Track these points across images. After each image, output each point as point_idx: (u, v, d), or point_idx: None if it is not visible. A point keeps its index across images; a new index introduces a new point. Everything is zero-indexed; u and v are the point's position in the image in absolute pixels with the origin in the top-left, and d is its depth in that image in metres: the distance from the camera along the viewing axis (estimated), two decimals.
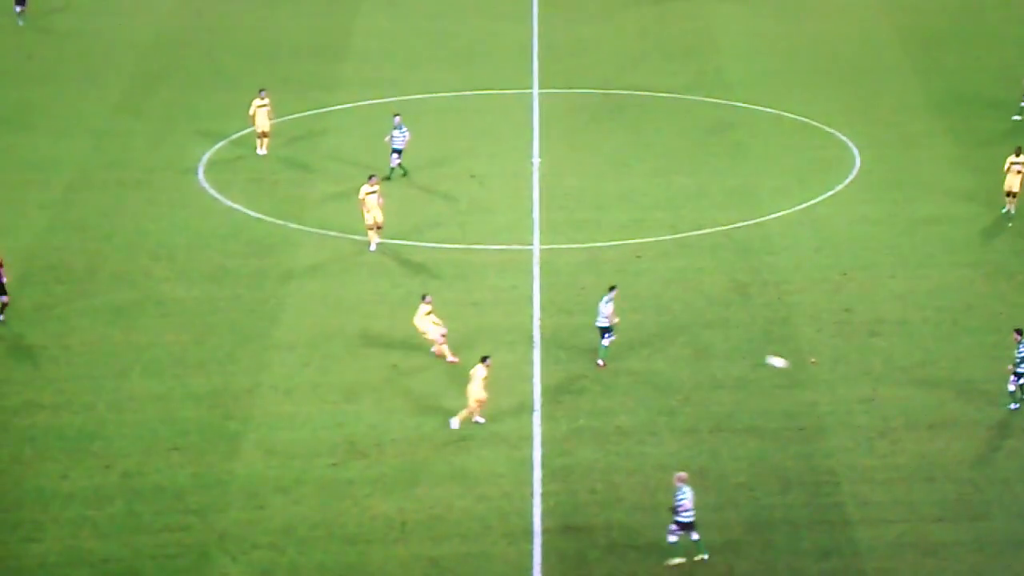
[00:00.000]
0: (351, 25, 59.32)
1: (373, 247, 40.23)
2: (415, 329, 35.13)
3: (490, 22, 60.32)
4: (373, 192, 40.17)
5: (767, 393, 33.63)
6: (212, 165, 46.09)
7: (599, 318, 35.09)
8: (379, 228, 40.41)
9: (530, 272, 39.51)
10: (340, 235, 41.44)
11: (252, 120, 46.44)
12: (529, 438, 32.03)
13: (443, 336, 34.56)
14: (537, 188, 44.83)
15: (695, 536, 28.22)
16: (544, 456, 31.37)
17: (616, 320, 35.22)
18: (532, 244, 41.16)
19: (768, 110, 50.88)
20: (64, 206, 42.56)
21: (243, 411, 32.85)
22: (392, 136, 44.75)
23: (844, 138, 48.28)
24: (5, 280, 36.17)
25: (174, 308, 37.25)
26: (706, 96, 52.16)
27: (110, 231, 41.31)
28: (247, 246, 40.53)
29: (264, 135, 46.48)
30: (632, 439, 32.03)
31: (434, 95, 52.41)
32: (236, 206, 43.21)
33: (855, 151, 47.26)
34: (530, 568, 28.08)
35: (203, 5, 61.10)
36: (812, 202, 43.65)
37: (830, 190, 44.47)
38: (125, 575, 27.80)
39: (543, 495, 29.75)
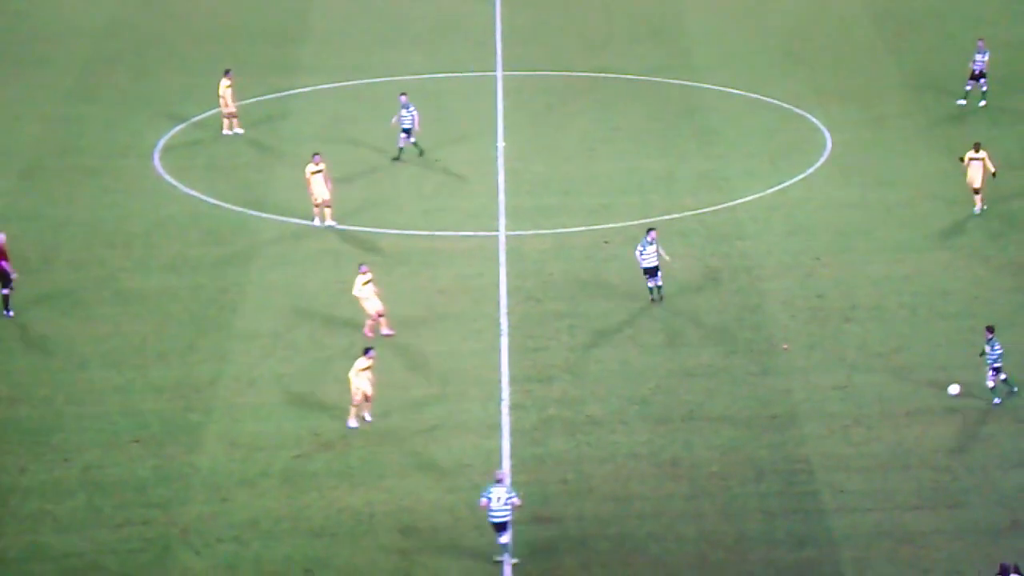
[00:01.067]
0: (309, 8, 59.24)
1: (318, 223, 40.62)
2: (356, 300, 35.20)
3: (452, 4, 60.36)
4: (319, 171, 40.47)
5: (740, 381, 33.97)
6: (168, 150, 46.07)
7: (646, 259, 36.78)
8: (328, 206, 40.69)
9: (496, 259, 39.70)
10: (301, 222, 41.49)
11: (223, 102, 46.54)
12: (497, 427, 32.28)
13: (378, 314, 34.18)
14: (502, 173, 45.01)
15: (503, 539, 27.81)
16: (513, 446, 31.62)
17: (668, 258, 37.27)
18: (498, 231, 41.36)
19: (738, 92, 51.22)
20: (16, 194, 42.48)
21: (205, 403, 32.97)
22: (400, 116, 45.01)
23: (815, 120, 48.68)
24: (7, 267, 35.89)
25: (133, 298, 37.30)
26: (674, 78, 52.46)
27: (65, 219, 41.28)
28: (206, 233, 40.56)
29: (233, 115, 46.74)
30: (603, 428, 32.32)
31: (396, 78, 52.40)
32: (194, 192, 43.25)
33: (827, 133, 47.66)
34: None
35: None
36: (784, 185, 44.03)
37: (802, 173, 44.86)
38: (87, 570, 27.92)
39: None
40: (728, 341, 35.50)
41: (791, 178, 44.52)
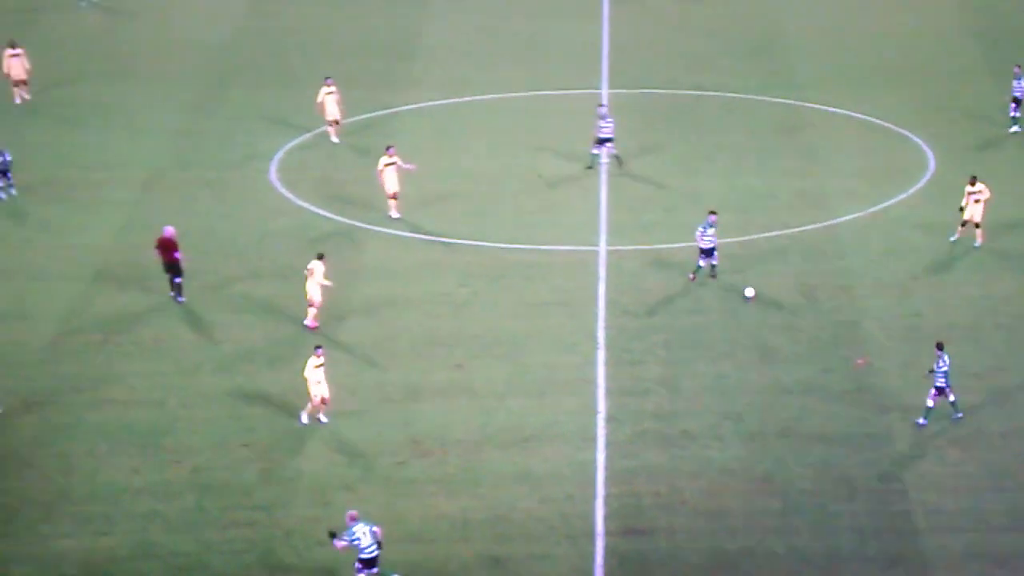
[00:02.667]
0: (421, 24, 59.74)
1: (394, 214, 42.03)
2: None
3: (561, 21, 60.49)
4: (391, 164, 41.58)
5: (835, 398, 33.59)
6: (282, 164, 46.67)
7: (704, 241, 38.43)
8: (395, 198, 41.96)
9: (595, 273, 39.71)
10: (406, 234, 41.88)
11: (321, 109, 47.24)
12: (593, 440, 32.25)
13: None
14: (604, 189, 45.03)
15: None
16: (608, 458, 31.57)
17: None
18: (598, 246, 41.36)
19: (840, 111, 50.69)
20: (138, 205, 43.29)
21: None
22: (598, 126, 45.76)
23: (918, 140, 48.01)
24: (180, 257, 37.55)
25: (244, 306, 37.84)
26: (776, 96, 52.06)
27: (182, 230, 41.63)
28: (315, 244, 40.90)
29: (335, 123, 47.36)
30: (697, 443, 32.14)
31: (504, 95, 52.69)
32: (305, 204, 43.77)
33: (929, 154, 46.97)
34: (591, 570, 28.29)
35: (274, 6, 61.75)
36: (883, 205, 43.48)
37: (902, 193, 44.27)
38: (193, 569, 28.36)
39: (606, 497, 29.97)
40: (824, 358, 35.13)
41: (891, 198, 43.95)
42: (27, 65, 50.67)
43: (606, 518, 29.65)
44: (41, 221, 42.33)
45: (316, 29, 59.02)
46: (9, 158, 43.61)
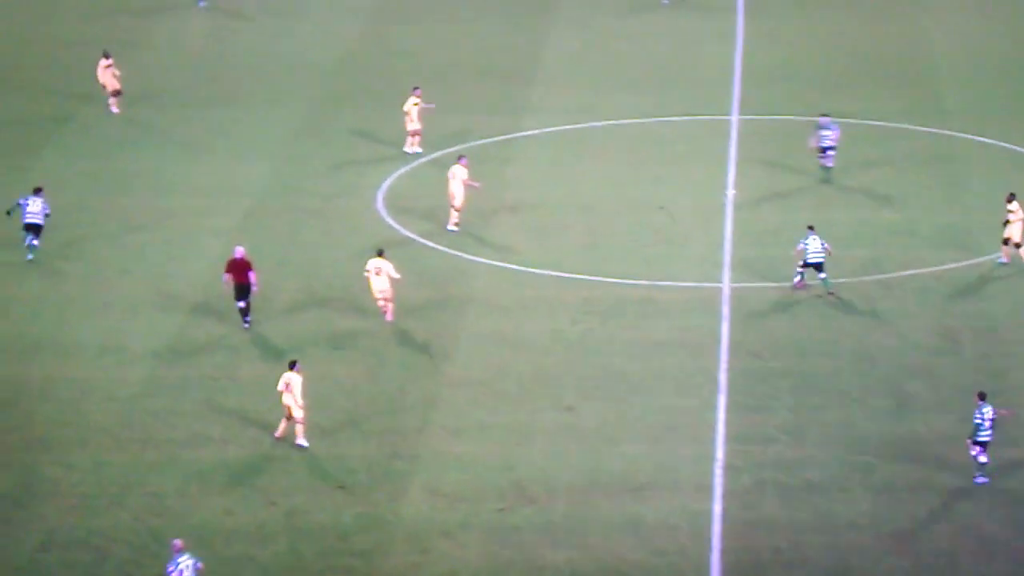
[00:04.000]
0: (541, 48, 60.33)
1: (452, 228, 43.94)
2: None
3: (691, 44, 60.74)
4: (462, 174, 43.58)
5: None
6: (391, 192, 47.44)
7: (812, 255, 40.07)
8: (457, 210, 43.76)
9: (718, 312, 39.73)
10: (519, 268, 42.29)
11: (408, 117, 48.75)
12: (709, 489, 32.24)
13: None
14: (730, 222, 45.03)
15: None
16: (725, 510, 31.54)
17: (830, 250, 40.21)
18: (722, 282, 41.39)
19: (990, 141, 50.13)
20: (239, 233, 44.25)
21: (411, 450, 33.82)
22: (820, 136, 46.64)
23: None
24: (254, 282, 38.77)
25: (346, 341, 38.50)
26: (922, 124, 51.67)
27: (284, 260, 42.89)
28: (421, 278, 41.58)
29: (415, 133, 48.85)
30: (822, 495, 31.97)
31: (625, 121, 53.04)
32: (413, 235, 44.45)
33: None
34: None
35: (389, 28, 62.89)
36: None
37: None
38: None
39: (722, 552, 29.93)
40: (965, 408, 34.64)
41: None
42: (117, 72, 52.61)
43: (722, 574, 29.59)
44: (138, 250, 43.51)
45: (431, 52, 59.90)
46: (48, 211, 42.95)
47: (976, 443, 32.27)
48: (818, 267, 40.15)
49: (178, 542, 28.53)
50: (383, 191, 47.54)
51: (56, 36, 61.10)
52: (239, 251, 39.24)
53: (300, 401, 33.84)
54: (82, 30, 61.16)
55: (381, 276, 38.96)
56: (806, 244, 40.26)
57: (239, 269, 39.07)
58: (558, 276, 41.81)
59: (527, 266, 42.39)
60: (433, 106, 45.57)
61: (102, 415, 35.18)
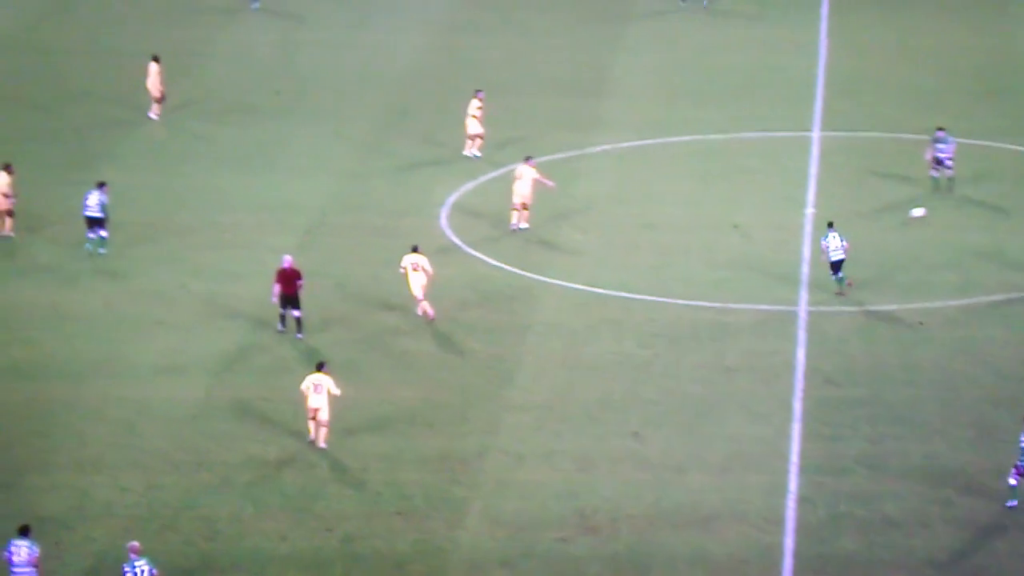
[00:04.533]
0: (613, 60, 60.51)
1: (515, 226, 45.41)
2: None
3: (770, 55, 60.68)
4: (530, 173, 45.05)
5: None
6: (456, 209, 47.74)
7: (832, 253, 40.96)
8: (525, 208, 45.28)
9: (793, 336, 39.62)
10: (585, 288, 42.42)
11: (475, 120, 50.36)
12: (781, 522, 32.12)
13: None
14: (808, 242, 44.88)
15: None
16: (797, 544, 31.40)
17: (847, 247, 41.20)
18: (798, 305, 41.27)
19: None
20: (300, 251, 44.56)
21: (471, 476, 33.99)
22: (936, 148, 47.07)
23: None
24: (300, 284, 39.78)
25: (405, 362, 38.79)
26: (1014, 143, 51.28)
27: (344, 278, 43.25)
28: (485, 298, 41.86)
29: (475, 138, 50.42)
30: (900, 530, 31.78)
31: (699, 137, 53.06)
32: (477, 254, 44.69)
33: None
34: None
35: (456, 39, 63.33)
36: None
37: None
38: None
39: None
40: None
41: None
42: (161, 82, 54.15)
43: None
44: (197, 267, 44.03)
45: (500, 64, 60.22)
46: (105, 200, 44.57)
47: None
48: (836, 266, 40.96)
49: (135, 544, 29.30)
50: (448, 208, 47.84)
51: (116, 47, 62.01)
52: (287, 260, 40.13)
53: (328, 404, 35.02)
54: (143, 40, 61.97)
55: (418, 272, 40.43)
56: (827, 242, 41.14)
57: (288, 279, 40.03)
58: (626, 297, 41.90)
59: (594, 286, 42.50)
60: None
61: (157, 436, 35.62)
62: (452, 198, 48.50)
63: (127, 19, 65.22)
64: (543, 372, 38.22)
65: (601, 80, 58.44)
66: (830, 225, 41.66)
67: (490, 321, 40.71)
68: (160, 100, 54.30)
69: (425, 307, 40.27)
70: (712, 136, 53.12)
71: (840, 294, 41.05)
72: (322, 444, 35.11)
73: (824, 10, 65.60)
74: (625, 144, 52.55)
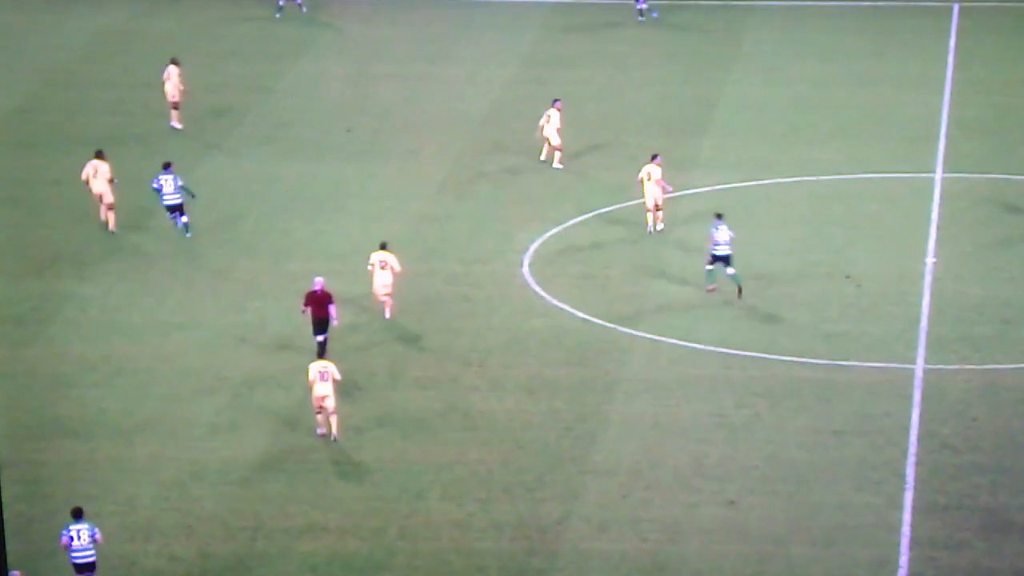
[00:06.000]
0: (717, 95, 60.77)
1: (651, 228, 48.64)
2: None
3: (891, 91, 60.67)
4: (655, 175, 48.21)
5: None
6: (539, 256, 48.14)
7: (719, 247, 43.58)
8: (658, 209, 48.59)
9: (909, 397, 39.57)
10: (679, 343, 42.61)
11: (544, 133, 53.84)
12: None
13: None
14: (928, 294, 44.81)
15: None
16: None
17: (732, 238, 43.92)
18: (915, 363, 41.19)
19: None
20: (368, 302, 45.24)
21: (549, 546, 34.14)
22: None
23: None
24: (334, 316, 41.67)
25: (482, 422, 39.15)
26: None
27: (420, 329, 43.72)
28: (570, 352, 42.15)
29: (554, 148, 53.84)
30: None
31: (810, 178, 53.12)
32: (561, 305, 45.02)
33: None
34: None
35: (545, 72, 63.89)
36: None
37: None
38: None
39: None
40: None
41: None
42: (182, 86, 57.31)
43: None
44: (259, 320, 44.65)
45: (591, 99, 60.61)
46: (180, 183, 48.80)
47: None
48: (726, 260, 43.56)
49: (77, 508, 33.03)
50: (530, 255, 48.23)
51: (188, 78, 63.15)
52: (319, 283, 41.77)
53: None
54: (214, 74, 63.30)
55: (385, 270, 43.49)
56: (716, 234, 43.82)
57: (319, 302, 41.48)
58: (723, 352, 42.01)
59: (689, 340, 42.66)
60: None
61: (211, 500, 36.16)
62: (535, 244, 48.88)
63: (197, 52, 66.27)
64: (631, 433, 38.37)
65: (702, 117, 58.70)
66: (719, 216, 44.28)
67: (574, 377, 40.97)
68: (177, 106, 56.97)
69: (389, 304, 43.29)
70: (824, 178, 53.15)
71: (712, 291, 44.14)
72: (335, 436, 37.78)
73: (952, 43, 65.56)
74: (727, 186, 52.70)
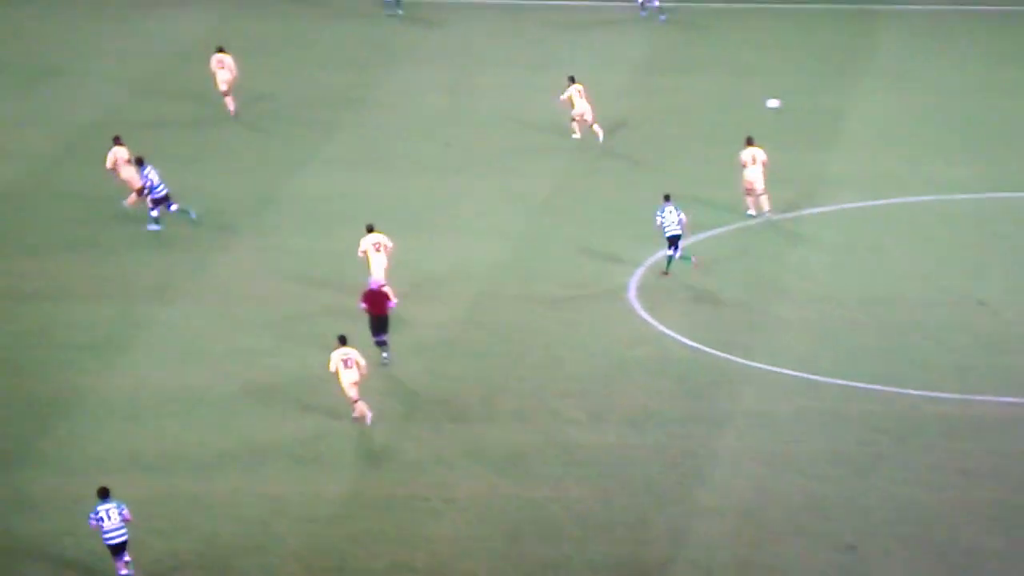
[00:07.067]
0: (843, 106, 60.59)
1: (751, 208, 51.09)
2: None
3: None
4: (756, 161, 50.64)
5: None
6: (646, 279, 48.28)
7: (668, 228, 46.78)
8: (760, 194, 50.79)
9: None
10: (795, 374, 42.58)
11: (568, 105, 56.93)
12: None
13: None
14: None
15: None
16: None
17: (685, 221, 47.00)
18: None
19: None
20: (463, 326, 45.55)
21: None
22: None
23: None
24: (391, 306, 43.44)
25: (581, 456, 39.25)
26: None
27: (516, 357, 43.94)
28: (677, 382, 42.21)
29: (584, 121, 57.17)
30: None
31: (944, 197, 52.83)
32: (669, 332, 45.12)
33: None
34: None
35: (657, 81, 63.96)
36: None
37: None
38: None
39: None
40: None
41: None
42: (229, 75, 60.14)
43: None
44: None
45: (708, 111, 60.59)
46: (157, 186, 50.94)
47: None
48: (673, 241, 46.68)
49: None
50: (636, 278, 48.38)
51: (292, 90, 63.99)
52: (375, 282, 43.74)
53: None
54: (306, 83, 64.15)
55: (381, 253, 45.77)
56: (662, 217, 46.90)
57: (376, 301, 42.91)
58: (843, 384, 41.91)
59: (806, 371, 42.61)
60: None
61: (294, 538, 36.50)
62: (642, 267, 48.99)
63: (293, 62, 67.09)
64: (741, 471, 38.40)
65: (828, 129, 58.56)
66: (667, 198, 47.05)
67: (682, 410, 41.08)
68: (226, 94, 59.81)
69: (388, 292, 43.96)
70: (958, 196, 52.85)
71: (665, 274, 47.16)
72: (368, 420, 40.43)
73: None
74: (852, 204, 52.56)
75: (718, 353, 43.88)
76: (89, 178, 54.89)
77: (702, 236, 50.21)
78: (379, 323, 43.26)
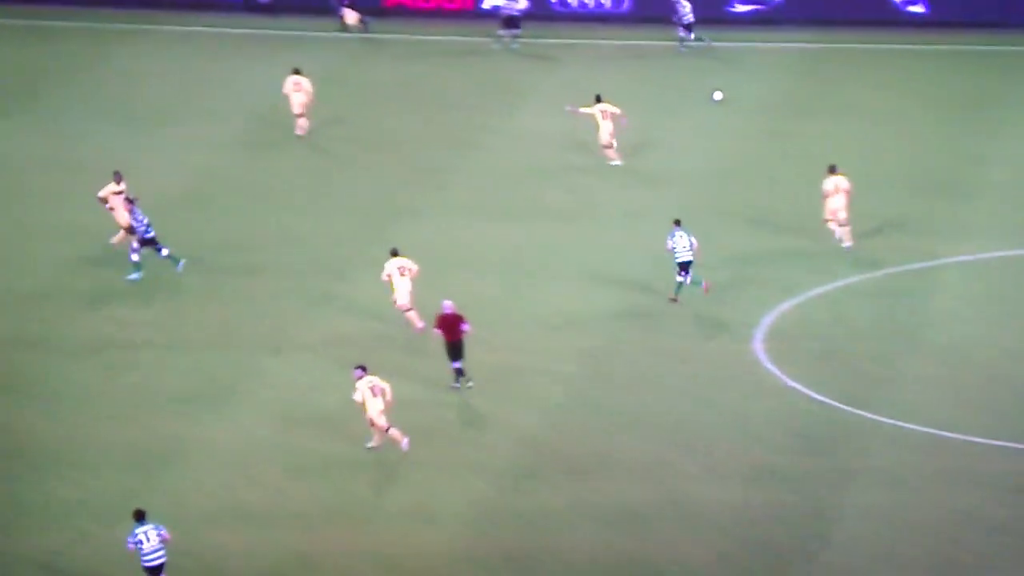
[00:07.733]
0: (983, 151, 60.36)
1: (836, 236, 51.61)
2: None
3: None
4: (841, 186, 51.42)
5: None
6: (773, 330, 48.27)
7: (680, 253, 48.26)
8: (842, 224, 51.39)
9: None
10: (928, 431, 42.44)
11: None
12: None
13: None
14: None
15: None
16: None
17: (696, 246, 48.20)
18: None
19: None
20: (579, 379, 45.68)
21: None
22: None
23: None
24: (466, 330, 44.10)
25: (699, 515, 39.30)
26: None
27: (625, 411, 44.03)
28: (802, 438, 42.19)
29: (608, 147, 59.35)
30: None
31: None
32: (797, 385, 45.11)
33: None
34: None
35: (779, 124, 64.23)
36: None
37: None
38: None
39: None
40: None
41: None
42: (305, 99, 62.95)
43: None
44: (464, 400, 45.14)
45: (832, 154, 59.63)
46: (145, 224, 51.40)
47: None
48: (684, 267, 48.15)
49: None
50: (763, 328, 48.46)
51: (392, 128, 64.76)
52: (448, 305, 44.05)
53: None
54: (421, 126, 65.15)
55: (405, 277, 46.48)
56: (673, 242, 48.37)
57: (450, 326, 43.85)
58: (980, 442, 41.78)
59: (941, 428, 42.45)
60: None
61: None
62: (769, 317, 49.05)
63: (400, 100, 67.88)
64: (868, 531, 38.21)
65: (964, 175, 58.39)
66: (677, 223, 48.28)
67: (806, 466, 41.02)
68: (303, 115, 62.95)
69: (413, 318, 45.69)
70: None
71: (674, 300, 48.50)
72: (405, 445, 41.29)
73: None
74: (990, 254, 52.35)
75: (845, 408, 43.80)
76: (195, 225, 55.83)
77: (830, 287, 50.16)
78: (454, 349, 43.64)
